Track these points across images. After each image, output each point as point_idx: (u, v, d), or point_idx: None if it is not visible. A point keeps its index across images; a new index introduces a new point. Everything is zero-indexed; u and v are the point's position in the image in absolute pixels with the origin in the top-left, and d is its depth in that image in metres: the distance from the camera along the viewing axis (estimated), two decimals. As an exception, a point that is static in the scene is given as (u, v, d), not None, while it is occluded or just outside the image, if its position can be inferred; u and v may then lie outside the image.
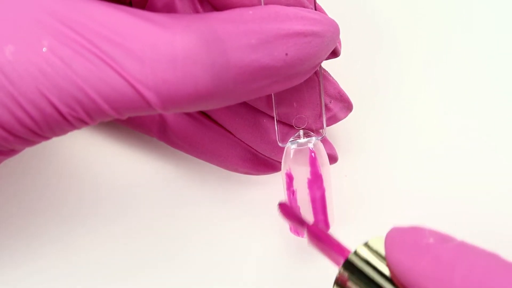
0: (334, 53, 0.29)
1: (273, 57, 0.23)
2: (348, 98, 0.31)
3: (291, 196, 0.30)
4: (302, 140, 0.30)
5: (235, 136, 0.32)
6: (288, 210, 0.27)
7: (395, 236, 0.22)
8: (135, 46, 0.22)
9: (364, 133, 0.35)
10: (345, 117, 0.31)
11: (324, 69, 0.30)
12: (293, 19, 0.24)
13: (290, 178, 0.30)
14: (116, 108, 0.23)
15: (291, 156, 0.30)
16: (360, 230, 0.34)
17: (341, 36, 0.28)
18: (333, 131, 0.35)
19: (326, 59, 0.28)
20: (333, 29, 0.26)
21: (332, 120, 0.31)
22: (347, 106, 0.31)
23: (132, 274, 0.33)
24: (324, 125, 0.30)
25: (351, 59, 0.35)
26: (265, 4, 0.25)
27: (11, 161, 0.31)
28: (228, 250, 0.34)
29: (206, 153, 0.32)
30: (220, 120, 0.31)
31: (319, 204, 0.30)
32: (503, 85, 0.36)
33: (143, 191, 0.34)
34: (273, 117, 0.30)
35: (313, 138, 0.30)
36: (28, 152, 0.32)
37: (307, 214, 0.30)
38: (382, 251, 0.22)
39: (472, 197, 0.34)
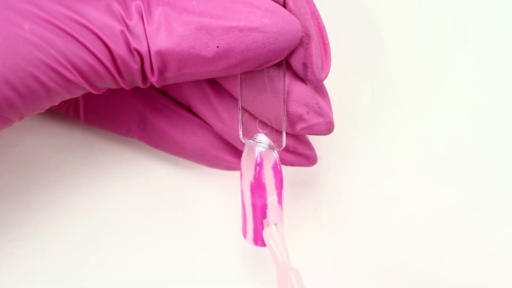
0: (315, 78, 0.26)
1: (204, 48, 0.25)
2: (329, 115, 0.27)
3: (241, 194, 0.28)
4: (262, 143, 0.28)
5: (214, 129, 0.30)
6: None
7: None
8: (92, 26, 0.25)
9: (366, 132, 0.35)
10: (326, 133, 0.28)
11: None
12: (234, 13, 0.25)
13: (241, 176, 0.28)
14: (88, 79, 0.26)
15: (244, 154, 0.28)
16: (360, 228, 0.33)
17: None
18: (336, 130, 0.31)
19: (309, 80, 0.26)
20: (282, 25, 0.25)
21: (308, 130, 0.28)
22: (328, 123, 0.27)
23: (131, 272, 0.33)
24: (283, 137, 0.27)
25: (351, 57, 0.35)
26: None
27: (9, 158, 0.33)
28: (229, 246, 0.33)
29: (186, 147, 0.31)
30: (199, 112, 0.30)
31: (259, 214, 0.28)
32: (503, 88, 0.35)
33: (143, 190, 0.34)
34: (249, 113, 0.28)
35: (270, 145, 0.27)
36: (27, 150, 0.33)
37: (248, 218, 0.28)
38: None
39: (473, 196, 0.34)
